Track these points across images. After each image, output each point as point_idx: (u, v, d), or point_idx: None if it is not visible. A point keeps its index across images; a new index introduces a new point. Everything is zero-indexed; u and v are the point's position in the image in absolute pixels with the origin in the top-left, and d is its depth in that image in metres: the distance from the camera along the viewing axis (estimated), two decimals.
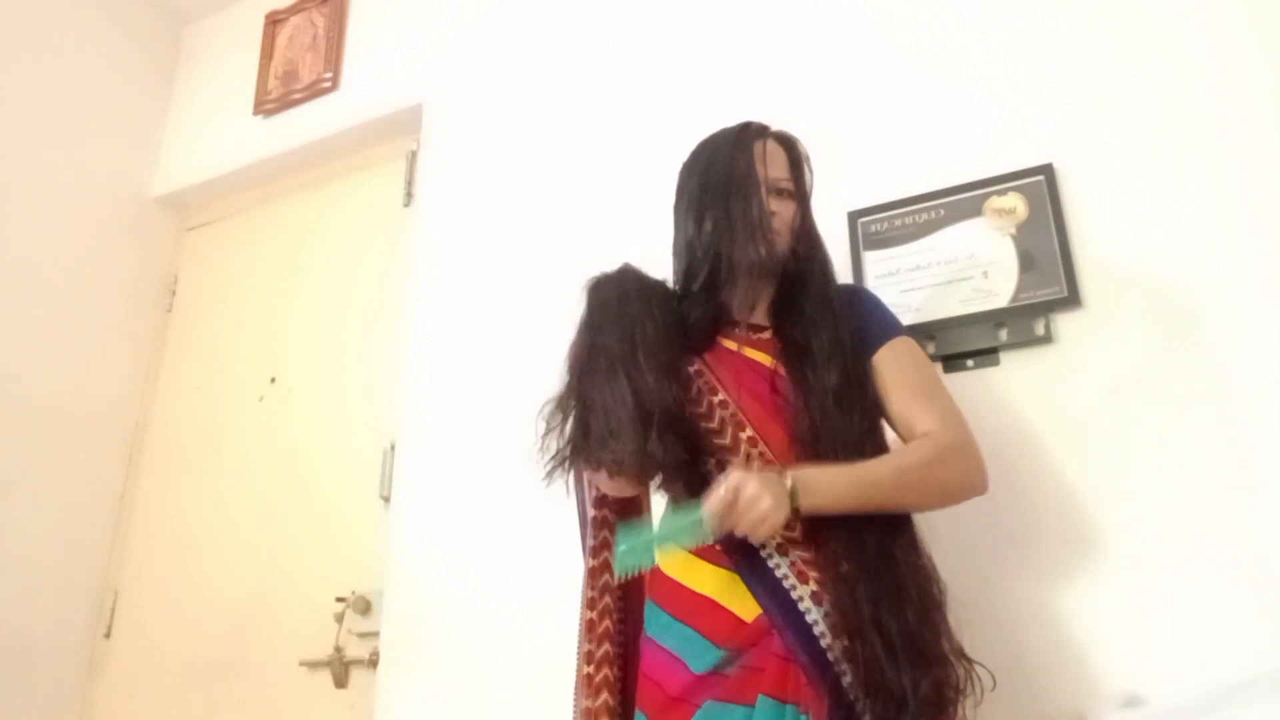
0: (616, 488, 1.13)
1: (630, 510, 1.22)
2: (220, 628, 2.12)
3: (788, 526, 1.03)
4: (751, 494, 0.94)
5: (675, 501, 1.12)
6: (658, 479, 1.12)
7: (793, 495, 0.97)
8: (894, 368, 1.14)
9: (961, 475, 1.10)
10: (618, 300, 1.12)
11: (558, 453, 1.11)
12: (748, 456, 1.07)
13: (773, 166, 1.16)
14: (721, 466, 1.06)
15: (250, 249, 2.53)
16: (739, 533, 0.97)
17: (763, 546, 1.04)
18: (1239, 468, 1.28)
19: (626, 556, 0.98)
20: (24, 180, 2.30)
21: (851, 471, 1.02)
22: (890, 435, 1.14)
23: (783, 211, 1.16)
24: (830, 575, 1.01)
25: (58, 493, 2.25)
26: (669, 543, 1.02)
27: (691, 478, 1.06)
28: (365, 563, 1.96)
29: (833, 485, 1.01)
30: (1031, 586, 1.34)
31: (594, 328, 1.12)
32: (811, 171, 1.22)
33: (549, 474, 1.11)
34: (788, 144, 1.21)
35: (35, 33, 2.40)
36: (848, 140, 1.64)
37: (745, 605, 1.02)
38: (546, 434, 1.12)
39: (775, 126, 1.22)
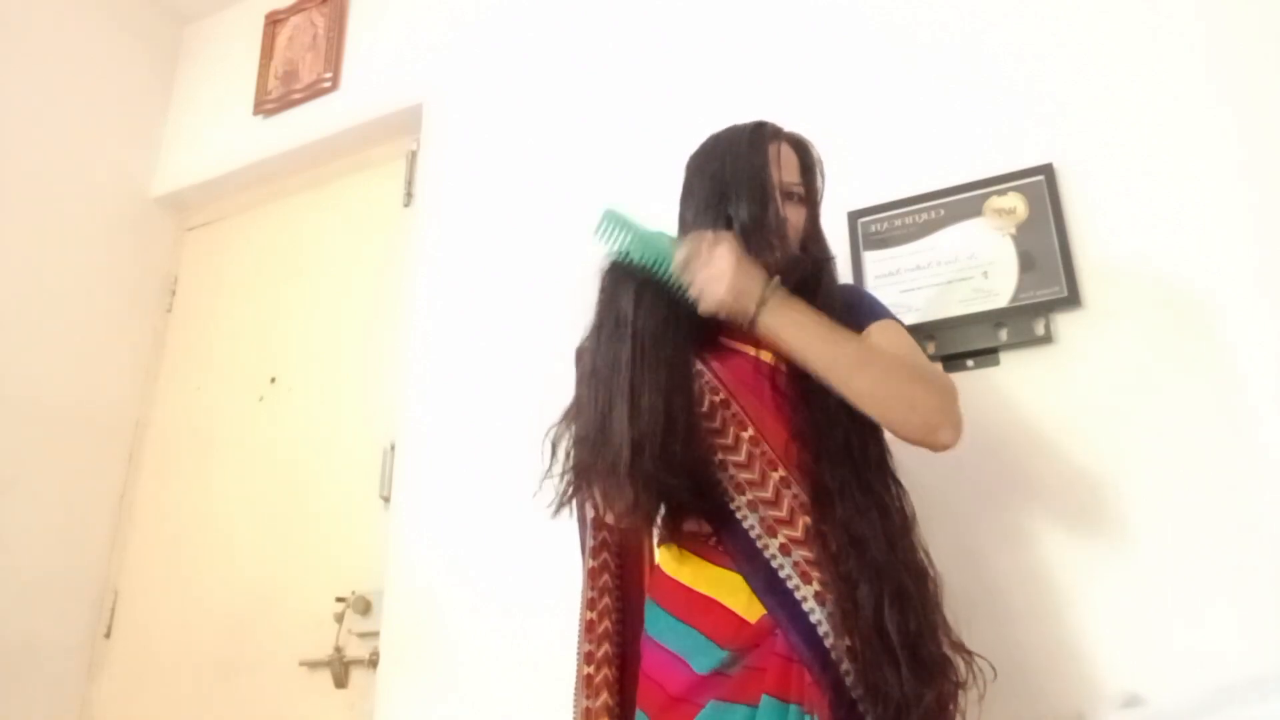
0: (612, 520, 1.14)
1: None
2: (220, 628, 2.12)
3: (789, 524, 1.03)
4: (719, 254, 1.00)
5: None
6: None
7: (768, 298, 1.00)
8: (879, 340, 1.13)
9: (922, 396, 1.04)
10: (627, 310, 1.10)
11: (562, 488, 1.11)
12: (749, 456, 1.07)
13: (786, 170, 1.16)
14: (724, 466, 1.06)
15: (250, 249, 2.53)
16: (692, 284, 1.02)
17: (765, 547, 1.03)
18: (1239, 467, 1.28)
19: (609, 228, 1.07)
20: (24, 180, 2.30)
21: (821, 320, 1.03)
22: (889, 435, 1.14)
23: (793, 217, 1.16)
24: (832, 575, 1.01)
25: (58, 493, 2.25)
26: (643, 252, 1.07)
27: (701, 501, 1.06)
28: (365, 563, 1.96)
29: (803, 313, 1.03)
30: (1031, 585, 1.34)
31: (601, 341, 1.10)
32: (824, 176, 1.22)
33: (560, 506, 1.11)
34: (800, 148, 1.20)
35: (35, 33, 2.40)
36: (848, 140, 1.64)
37: (748, 605, 1.02)
38: (555, 466, 1.11)
39: (787, 128, 1.22)
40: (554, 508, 1.12)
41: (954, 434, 1.05)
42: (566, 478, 1.11)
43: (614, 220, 1.09)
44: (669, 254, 1.05)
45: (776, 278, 1.03)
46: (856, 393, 1.02)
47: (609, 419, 1.04)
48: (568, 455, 1.11)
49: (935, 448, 1.05)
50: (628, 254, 1.08)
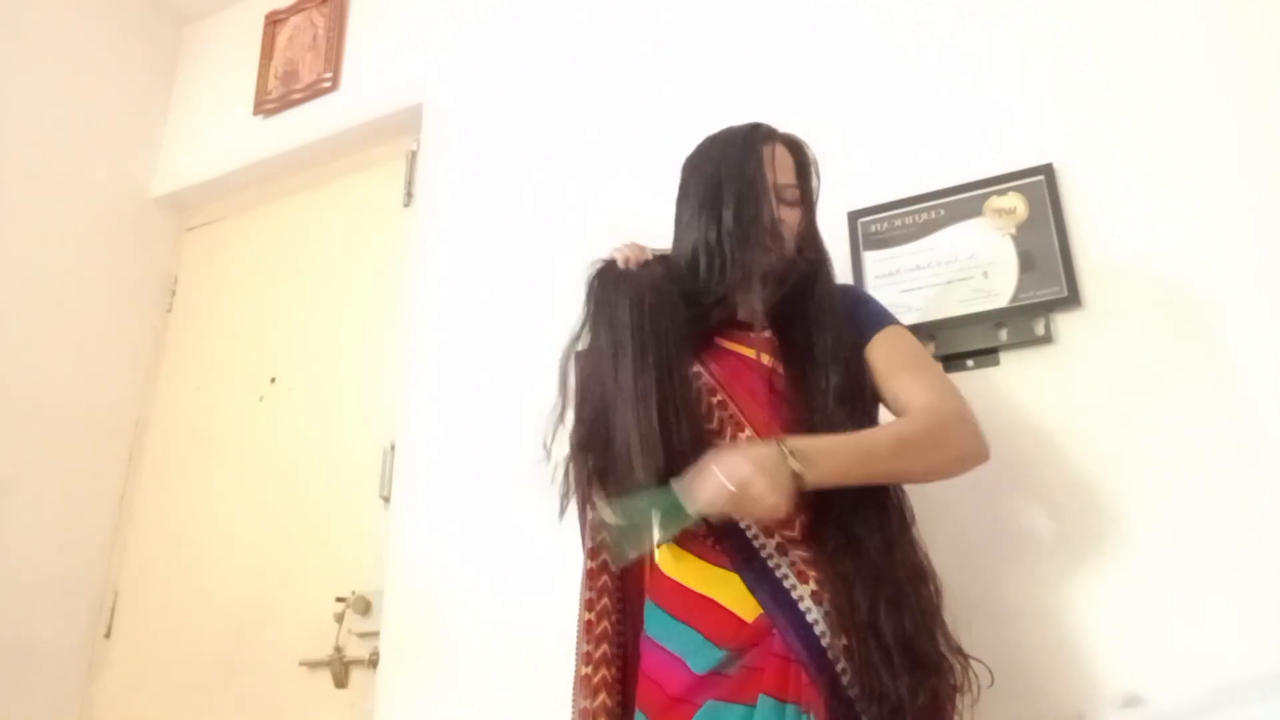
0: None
1: None
2: (220, 628, 2.12)
3: (786, 525, 1.04)
4: (759, 490, 0.92)
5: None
6: None
7: (798, 476, 0.95)
8: (886, 353, 1.14)
9: (960, 442, 1.08)
10: (627, 317, 1.10)
11: (569, 491, 1.12)
12: None
13: (781, 171, 1.16)
14: None
15: (250, 249, 2.53)
16: (740, 517, 0.99)
17: (762, 547, 1.04)
18: (1240, 467, 1.28)
19: (621, 541, 0.99)
20: (24, 180, 2.30)
21: (849, 441, 1.01)
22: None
23: (789, 218, 1.16)
24: (829, 575, 1.01)
25: (58, 493, 2.25)
26: (663, 532, 1.01)
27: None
28: (365, 563, 1.96)
29: (833, 456, 0.99)
30: (1031, 586, 1.34)
31: (603, 349, 1.10)
32: (819, 177, 1.22)
33: (564, 508, 1.12)
34: (796, 148, 1.20)
35: (35, 33, 2.40)
36: (848, 140, 1.64)
37: (746, 605, 1.02)
38: (554, 472, 1.11)
39: (783, 129, 1.22)
40: (562, 512, 1.12)
41: (985, 449, 1.10)
42: (568, 482, 1.11)
43: (623, 518, 1.01)
44: (688, 514, 0.97)
45: (783, 447, 0.97)
46: (911, 479, 1.07)
47: (611, 423, 1.04)
48: (567, 459, 1.11)
49: (976, 467, 1.10)
50: (644, 529, 1.00)
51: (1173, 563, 1.27)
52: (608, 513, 1.02)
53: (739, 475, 0.92)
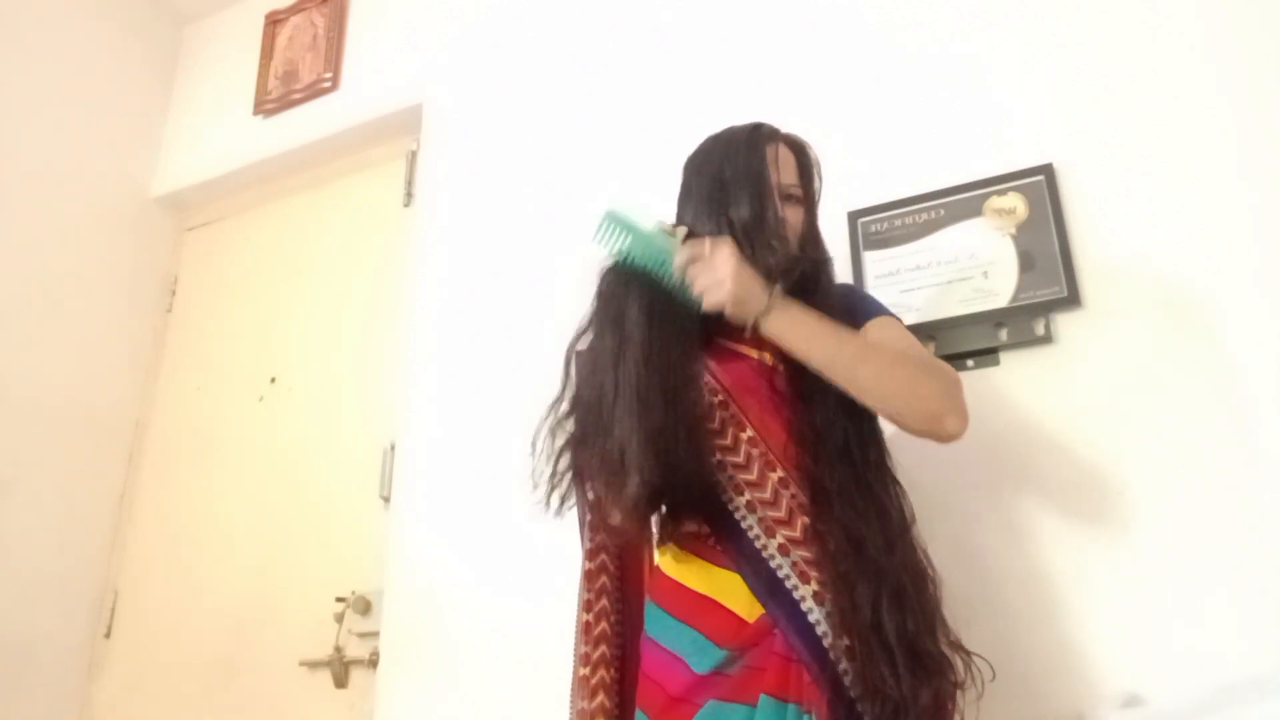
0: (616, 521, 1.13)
1: None
2: (220, 628, 2.12)
3: (787, 524, 1.04)
4: (720, 257, 1.03)
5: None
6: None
7: (770, 301, 1.03)
8: (878, 335, 1.14)
9: (928, 390, 1.05)
10: (634, 312, 1.10)
11: (563, 489, 1.13)
12: (748, 457, 1.07)
13: (784, 171, 1.16)
14: (723, 467, 1.06)
15: (250, 249, 2.53)
16: (694, 286, 1.04)
17: (764, 547, 1.03)
18: (1240, 467, 1.28)
19: (610, 229, 1.07)
20: (24, 180, 2.30)
21: (823, 320, 1.05)
22: (891, 434, 1.14)
23: (791, 218, 1.16)
24: (831, 575, 1.01)
25: (58, 493, 2.25)
26: (644, 254, 1.08)
27: (700, 502, 1.07)
28: (365, 563, 1.96)
29: (805, 315, 1.05)
30: (1031, 586, 1.34)
31: (608, 343, 1.10)
32: (821, 178, 1.22)
33: (557, 505, 1.13)
34: (798, 149, 1.21)
35: (35, 33, 2.40)
36: (848, 140, 1.64)
37: (747, 605, 1.02)
38: (550, 465, 1.12)
39: (785, 129, 1.22)
40: (555, 509, 1.12)
41: (959, 422, 1.05)
42: (566, 478, 1.11)
43: (614, 221, 1.09)
44: (669, 255, 1.07)
45: (778, 284, 1.03)
46: (861, 387, 1.04)
47: (611, 420, 1.04)
48: (561, 454, 1.11)
49: (941, 437, 1.05)
50: (628, 255, 1.09)
51: (1173, 563, 1.27)
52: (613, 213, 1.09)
53: (718, 251, 1.04)
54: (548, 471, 1.13)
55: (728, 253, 1.04)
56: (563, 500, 1.14)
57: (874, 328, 1.15)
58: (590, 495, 1.19)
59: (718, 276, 1.03)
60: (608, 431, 1.04)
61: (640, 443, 1.01)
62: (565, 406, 1.14)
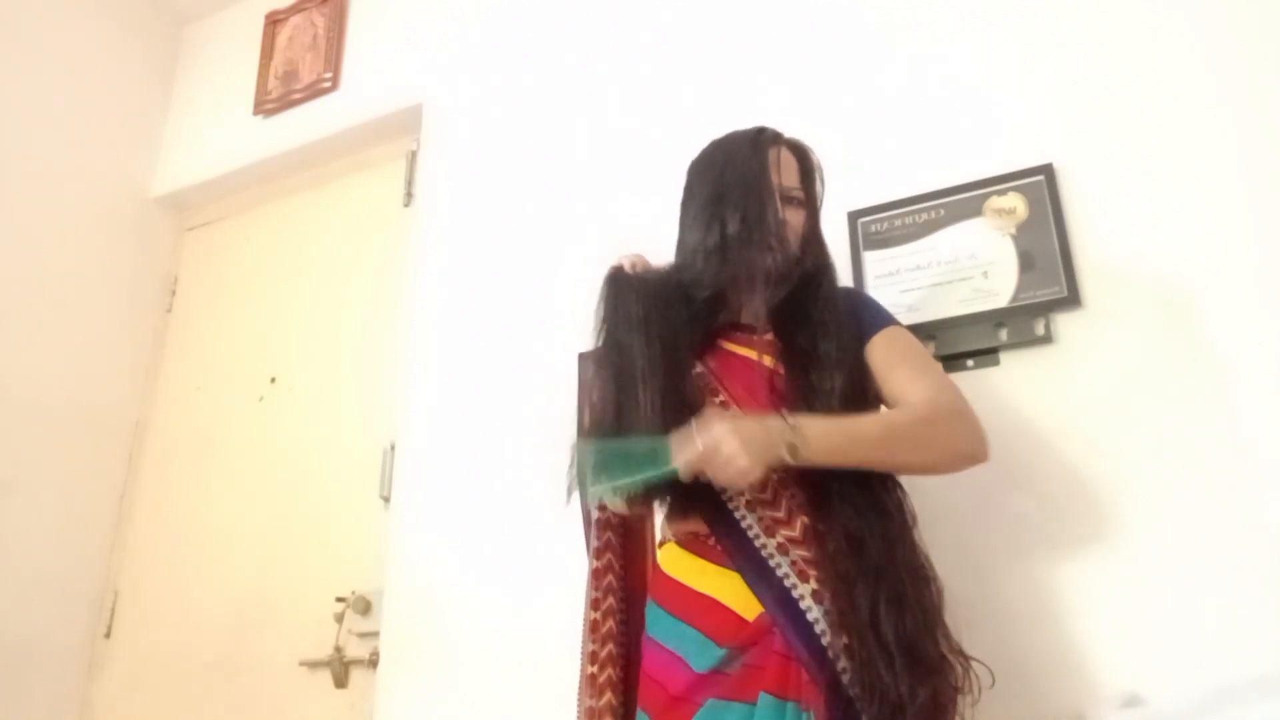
0: (620, 508, 1.14)
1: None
2: (220, 628, 2.12)
3: (786, 524, 1.04)
4: (729, 452, 0.94)
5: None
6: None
7: (789, 444, 0.97)
8: (885, 351, 1.15)
9: (954, 438, 1.08)
10: (632, 313, 1.12)
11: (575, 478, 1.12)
12: None
13: (786, 175, 1.17)
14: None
15: (250, 249, 2.53)
16: (718, 481, 0.99)
17: (763, 547, 1.04)
18: (1239, 467, 1.28)
19: (596, 483, 1.00)
20: (24, 180, 2.30)
21: (840, 423, 1.03)
22: None
23: (793, 220, 1.17)
24: (830, 574, 1.01)
25: (58, 493, 2.25)
26: (639, 484, 1.01)
27: (700, 501, 1.07)
28: (365, 563, 1.96)
29: (822, 434, 1.00)
30: (1031, 586, 1.34)
31: (607, 346, 1.12)
32: (823, 182, 1.23)
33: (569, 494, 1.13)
34: (800, 152, 1.21)
35: (35, 33, 2.40)
36: (848, 140, 1.64)
37: (747, 604, 1.03)
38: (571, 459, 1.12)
39: (788, 134, 1.23)
40: (565, 498, 1.13)
41: (985, 448, 1.10)
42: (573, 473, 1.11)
43: (589, 456, 1.03)
44: (662, 458, 0.98)
45: (782, 417, 1.00)
46: (900, 469, 1.06)
47: (623, 406, 1.05)
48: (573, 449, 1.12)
49: (974, 466, 1.10)
50: (621, 487, 1.02)
51: (1173, 562, 1.27)
52: (585, 451, 1.04)
53: (712, 435, 0.95)
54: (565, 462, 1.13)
55: (728, 438, 0.95)
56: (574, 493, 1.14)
57: (879, 344, 1.15)
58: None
59: (738, 467, 0.95)
60: (621, 415, 1.05)
61: (654, 410, 1.02)
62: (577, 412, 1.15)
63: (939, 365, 1.17)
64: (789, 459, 0.97)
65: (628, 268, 1.18)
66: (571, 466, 1.11)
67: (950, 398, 1.10)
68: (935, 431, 1.07)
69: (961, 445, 1.08)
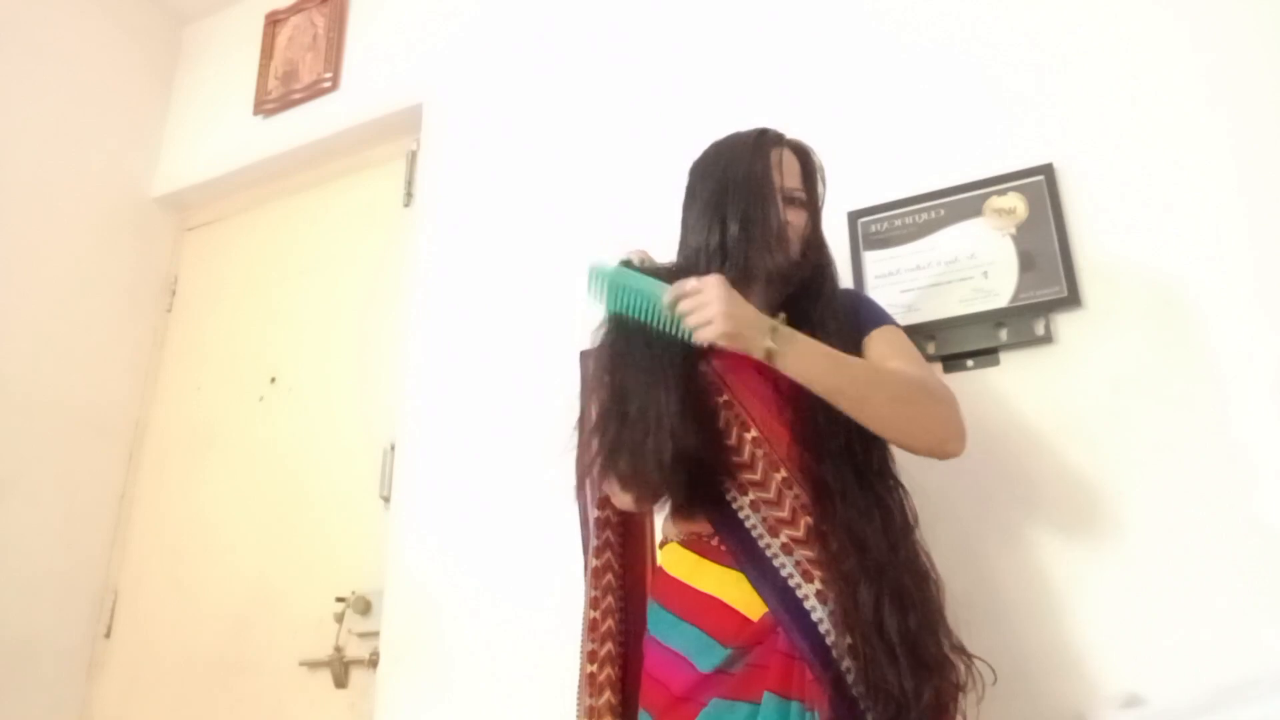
0: (630, 506, 1.13)
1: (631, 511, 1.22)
2: (220, 628, 2.12)
3: (790, 524, 1.04)
4: (708, 290, 0.98)
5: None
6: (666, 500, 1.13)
7: (774, 336, 0.99)
8: (883, 346, 1.16)
9: (937, 414, 1.08)
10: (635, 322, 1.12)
11: (587, 463, 1.13)
12: (752, 457, 1.08)
13: (788, 176, 1.18)
14: (728, 468, 1.07)
15: (250, 249, 2.53)
16: (685, 323, 1.00)
17: (767, 546, 1.04)
18: (1238, 467, 1.28)
19: (598, 285, 1.03)
20: (24, 180, 2.30)
21: (830, 351, 1.04)
22: None
23: (795, 220, 1.17)
24: (833, 574, 1.01)
25: (58, 493, 2.25)
26: (636, 303, 1.04)
27: (698, 482, 1.07)
28: (365, 563, 1.96)
29: (810, 344, 1.02)
30: (1031, 586, 1.34)
31: (619, 339, 1.12)
32: (825, 183, 1.23)
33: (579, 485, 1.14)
34: (802, 154, 1.22)
35: (35, 33, 2.40)
36: (848, 140, 1.64)
37: (750, 604, 1.03)
38: (578, 442, 1.13)
39: (790, 135, 1.23)
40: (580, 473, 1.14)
41: (960, 444, 1.09)
42: (594, 457, 1.11)
43: (601, 276, 1.06)
44: (655, 297, 1.03)
45: (779, 315, 1.01)
46: (868, 417, 1.04)
47: (623, 410, 1.05)
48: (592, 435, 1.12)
49: (942, 458, 1.09)
50: (622, 309, 1.05)
51: (1172, 562, 1.27)
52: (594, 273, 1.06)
53: (706, 282, 0.99)
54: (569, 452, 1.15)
55: (716, 288, 0.99)
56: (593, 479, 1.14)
57: (877, 338, 1.16)
58: (593, 492, 1.19)
59: (707, 314, 0.98)
60: (620, 419, 1.06)
61: (653, 424, 1.03)
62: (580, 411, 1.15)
63: (930, 367, 1.18)
64: (767, 347, 0.99)
65: (636, 262, 1.19)
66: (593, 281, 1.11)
67: (940, 387, 1.11)
68: (919, 401, 1.07)
69: (938, 428, 1.08)
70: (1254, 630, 1.21)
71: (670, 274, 1.09)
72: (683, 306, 1.00)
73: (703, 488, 1.07)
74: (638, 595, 1.18)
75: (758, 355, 1.00)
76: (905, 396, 1.06)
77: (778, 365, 1.00)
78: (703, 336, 0.99)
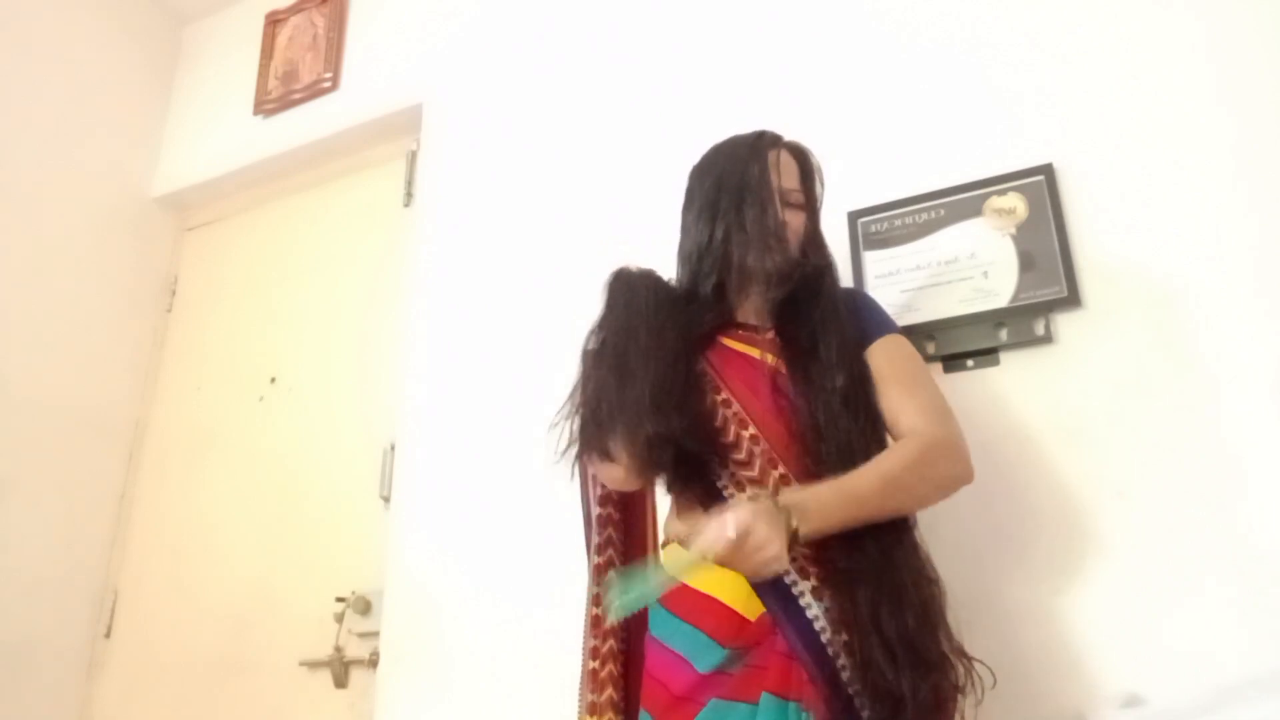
0: (620, 480, 1.11)
1: (634, 509, 1.22)
2: (220, 628, 2.12)
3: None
4: (760, 538, 0.92)
5: (679, 503, 1.13)
6: (662, 477, 1.12)
7: (794, 532, 0.95)
8: (884, 362, 1.16)
9: (947, 469, 1.09)
10: (635, 301, 1.13)
11: (568, 441, 1.12)
12: (750, 454, 1.08)
13: (786, 177, 1.18)
14: (725, 464, 1.07)
15: (250, 249, 2.53)
16: (743, 572, 0.97)
17: None
18: (1238, 467, 1.28)
19: (626, 600, 0.97)
20: (24, 180, 2.30)
21: (839, 490, 1.01)
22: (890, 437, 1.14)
23: (793, 221, 1.17)
24: (830, 572, 1.01)
25: (58, 493, 2.25)
26: (663, 588, 1.00)
27: (694, 477, 1.07)
28: (365, 563, 1.96)
29: (824, 507, 0.99)
30: (1031, 587, 1.34)
31: (610, 326, 1.12)
32: (823, 183, 1.23)
33: (562, 456, 1.12)
34: (800, 155, 1.22)
35: (35, 33, 2.40)
36: (848, 140, 1.64)
37: (749, 604, 1.03)
38: (557, 424, 1.12)
39: (788, 136, 1.24)
40: (567, 460, 1.13)
41: (971, 476, 1.11)
42: (580, 432, 1.11)
43: (626, 583, 1.00)
44: (657, 573, 0.99)
45: (777, 495, 0.99)
46: (896, 513, 1.05)
47: (615, 393, 1.05)
48: (578, 414, 1.12)
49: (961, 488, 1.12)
50: (626, 604, 0.99)
51: (1172, 562, 1.27)
52: (611, 586, 1.04)
53: (742, 522, 0.91)
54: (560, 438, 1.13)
55: (759, 532, 0.92)
56: (582, 455, 1.13)
57: (879, 353, 1.16)
58: (594, 489, 1.20)
59: (764, 550, 0.92)
60: (620, 386, 1.06)
61: (651, 393, 1.03)
62: (575, 402, 1.14)
63: (934, 384, 1.17)
64: (797, 536, 0.95)
65: (634, 268, 1.19)
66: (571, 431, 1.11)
67: (941, 430, 1.10)
68: (927, 472, 1.08)
69: (947, 479, 1.10)
70: (1254, 630, 1.21)
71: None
72: (738, 559, 0.94)
73: (699, 484, 1.07)
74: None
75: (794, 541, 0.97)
76: (920, 479, 1.07)
77: (809, 536, 0.98)
78: (772, 572, 0.96)
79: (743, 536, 0.91)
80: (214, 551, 2.21)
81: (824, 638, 0.99)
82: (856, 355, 1.14)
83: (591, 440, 1.08)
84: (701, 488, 1.08)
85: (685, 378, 1.08)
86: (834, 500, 1.00)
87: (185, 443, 2.38)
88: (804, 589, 1.01)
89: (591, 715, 1.12)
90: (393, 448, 2.01)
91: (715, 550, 0.93)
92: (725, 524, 0.92)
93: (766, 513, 0.94)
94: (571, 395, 1.14)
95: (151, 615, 2.24)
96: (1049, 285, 1.44)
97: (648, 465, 1.07)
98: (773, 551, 0.92)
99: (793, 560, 1.02)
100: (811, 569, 1.02)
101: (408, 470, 1.95)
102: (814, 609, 1.00)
